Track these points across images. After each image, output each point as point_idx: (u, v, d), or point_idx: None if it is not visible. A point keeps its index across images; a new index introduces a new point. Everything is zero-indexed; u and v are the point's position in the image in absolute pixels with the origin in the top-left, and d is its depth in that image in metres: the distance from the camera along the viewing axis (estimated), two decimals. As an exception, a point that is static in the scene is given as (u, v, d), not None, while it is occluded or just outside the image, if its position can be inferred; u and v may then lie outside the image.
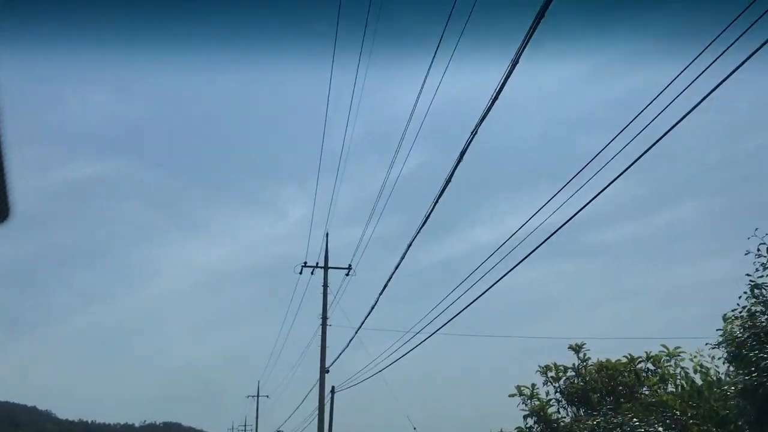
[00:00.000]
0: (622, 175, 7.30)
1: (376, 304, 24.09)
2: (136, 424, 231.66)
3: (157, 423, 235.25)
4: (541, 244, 8.93)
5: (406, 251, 15.63)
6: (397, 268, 17.12)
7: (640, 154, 6.86)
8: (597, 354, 21.43)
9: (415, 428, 29.98)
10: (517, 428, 21.62)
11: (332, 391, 29.07)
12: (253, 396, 78.26)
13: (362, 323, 27.18)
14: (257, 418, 78.88)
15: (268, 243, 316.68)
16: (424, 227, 12.88)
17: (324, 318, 31.33)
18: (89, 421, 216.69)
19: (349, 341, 28.52)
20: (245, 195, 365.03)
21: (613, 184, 7.42)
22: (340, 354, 29.96)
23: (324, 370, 30.63)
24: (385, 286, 20.54)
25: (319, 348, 30.88)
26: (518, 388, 21.96)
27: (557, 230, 8.60)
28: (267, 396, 79.28)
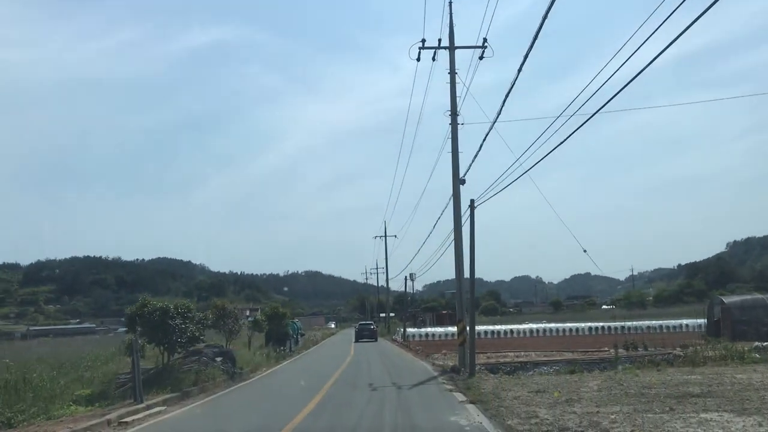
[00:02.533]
0: None
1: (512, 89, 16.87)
2: (280, 274, 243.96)
3: (299, 272, 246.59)
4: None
5: None
6: None
7: None
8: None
9: (585, 250, 23.19)
10: None
11: (471, 206, 22.15)
12: (380, 237, 74.35)
13: (499, 112, 19.93)
14: (386, 258, 75.37)
15: (386, 97, 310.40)
16: None
17: (453, 114, 24.03)
18: (238, 272, 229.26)
19: (486, 134, 21.39)
20: (359, 50, 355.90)
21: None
22: (477, 155, 22.82)
23: (458, 180, 23.69)
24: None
25: (449, 156, 23.86)
26: None
27: None
28: (395, 236, 75.22)
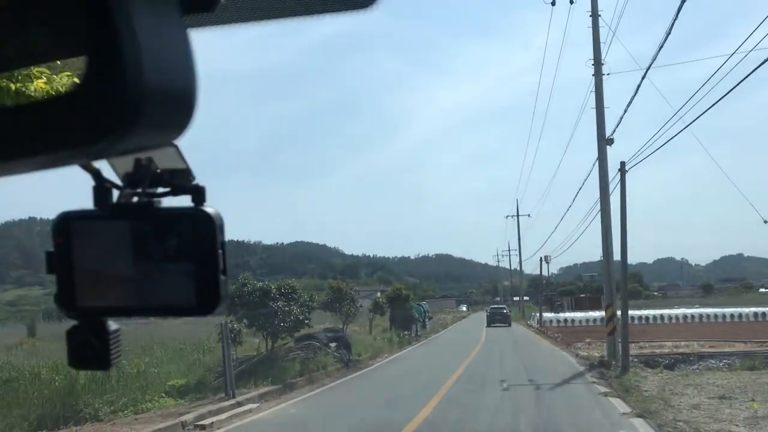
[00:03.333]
0: None
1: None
2: (412, 257, 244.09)
3: (430, 255, 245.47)
4: None
5: None
6: None
7: None
8: None
9: (766, 221, 18.99)
10: None
11: (621, 169, 18.48)
12: (512, 216, 70.19)
13: (655, 57, 16.30)
14: (519, 239, 71.08)
15: (517, 75, 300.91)
16: None
17: (597, 62, 20.32)
18: (371, 255, 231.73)
19: (638, 86, 17.71)
20: (487, 27, 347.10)
21: None
22: (630, 103, 19.08)
23: (604, 139, 19.99)
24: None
25: (588, 121, 20.21)
26: None
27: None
28: (528, 215, 70.79)
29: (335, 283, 22.78)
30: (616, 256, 19.03)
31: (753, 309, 44.57)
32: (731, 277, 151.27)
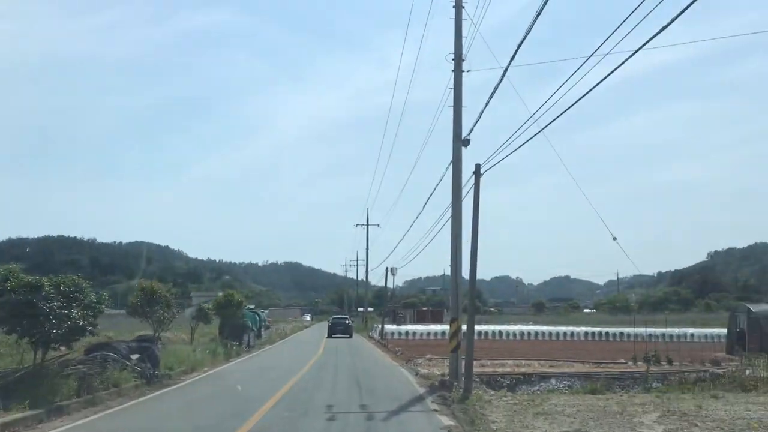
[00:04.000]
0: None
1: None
2: (259, 263, 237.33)
3: (279, 263, 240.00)
4: None
5: None
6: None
7: None
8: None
9: (615, 237, 17.94)
10: None
11: (477, 172, 16.78)
12: (362, 225, 68.60)
13: (512, 58, 14.91)
14: (367, 248, 69.62)
15: (376, 91, 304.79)
16: None
17: (457, 58, 18.58)
18: (216, 260, 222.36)
19: (496, 86, 16.16)
20: (351, 41, 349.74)
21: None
22: (483, 110, 17.43)
23: (459, 139, 18.23)
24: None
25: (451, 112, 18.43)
26: None
27: None
28: (377, 225, 69.54)
29: (147, 284, 19.24)
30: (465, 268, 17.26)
31: (584, 328, 45.61)
32: (559, 297, 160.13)
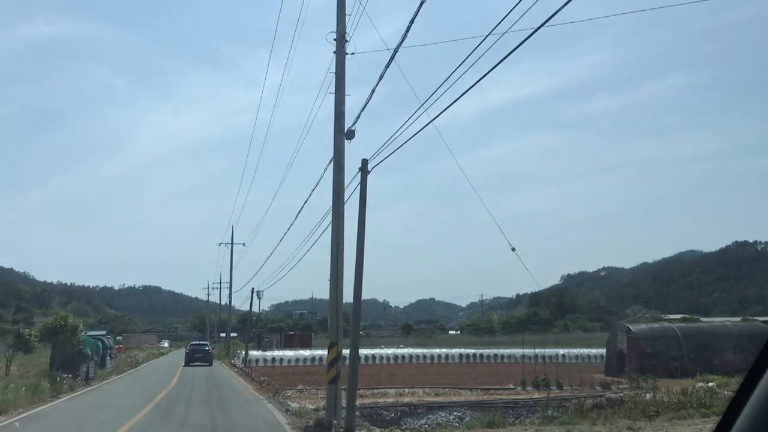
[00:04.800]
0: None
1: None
2: (116, 287, 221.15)
3: (137, 286, 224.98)
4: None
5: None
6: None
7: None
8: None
9: (514, 248, 15.77)
10: None
11: (363, 168, 14.05)
12: (225, 244, 63.71)
13: (401, 43, 12.47)
14: (231, 268, 64.66)
15: (241, 111, 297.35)
16: None
17: (340, 37, 15.82)
18: (68, 284, 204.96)
19: (384, 69, 13.53)
20: (217, 60, 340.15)
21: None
22: (370, 97, 14.78)
23: (342, 131, 15.39)
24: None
25: (332, 101, 15.59)
26: None
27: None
28: (243, 244, 65.06)
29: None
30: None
31: (458, 350, 43.90)
32: (424, 319, 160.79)
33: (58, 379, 21.74)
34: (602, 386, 22.07)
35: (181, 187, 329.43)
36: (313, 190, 18.56)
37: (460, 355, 41.45)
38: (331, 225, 15.33)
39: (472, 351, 43.33)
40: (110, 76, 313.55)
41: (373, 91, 14.69)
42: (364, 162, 14.58)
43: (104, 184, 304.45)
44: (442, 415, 17.85)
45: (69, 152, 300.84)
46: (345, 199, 15.43)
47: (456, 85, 10.79)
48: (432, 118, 12.15)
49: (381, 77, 14.07)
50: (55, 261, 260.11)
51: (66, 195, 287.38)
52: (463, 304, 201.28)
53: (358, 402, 17.30)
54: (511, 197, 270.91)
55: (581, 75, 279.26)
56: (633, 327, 28.75)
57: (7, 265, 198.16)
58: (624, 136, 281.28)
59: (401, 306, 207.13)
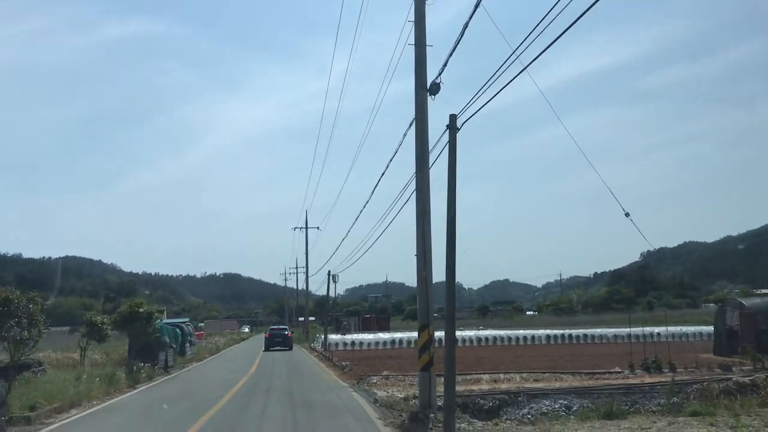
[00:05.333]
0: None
1: None
2: (198, 276, 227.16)
3: (218, 274, 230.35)
4: None
5: None
6: None
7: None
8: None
9: (627, 214, 13.64)
10: None
11: (451, 125, 12.16)
12: (300, 228, 63.02)
13: None
14: (307, 252, 63.95)
15: (311, 99, 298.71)
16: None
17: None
18: (152, 273, 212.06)
19: (471, 15, 11.55)
20: (285, 50, 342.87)
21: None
22: (458, 44, 12.72)
23: (425, 88, 13.54)
24: None
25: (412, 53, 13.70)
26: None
27: None
28: (317, 227, 64.14)
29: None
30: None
31: (544, 331, 41.50)
32: (499, 300, 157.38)
33: (134, 368, 20.87)
34: (722, 368, 19.47)
35: (255, 177, 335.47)
36: (391, 159, 16.73)
37: (548, 336, 39.04)
38: (415, 194, 13.48)
39: (560, 331, 40.80)
40: (181, 71, 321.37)
41: (460, 38, 12.68)
42: (453, 118, 12.65)
43: (182, 177, 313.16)
44: (546, 403, 15.80)
45: (145, 147, 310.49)
46: (429, 165, 13.55)
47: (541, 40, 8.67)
48: (525, 66, 10.08)
49: (465, 26, 12.05)
50: (140, 252, 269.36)
51: (147, 189, 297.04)
52: (539, 285, 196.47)
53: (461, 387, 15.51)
54: (582, 175, 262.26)
55: (651, 46, 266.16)
56: (746, 302, 25.76)
57: (95, 257, 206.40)
58: (700, 106, 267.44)
59: (475, 288, 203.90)
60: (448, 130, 12.67)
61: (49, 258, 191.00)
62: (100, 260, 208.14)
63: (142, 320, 22.60)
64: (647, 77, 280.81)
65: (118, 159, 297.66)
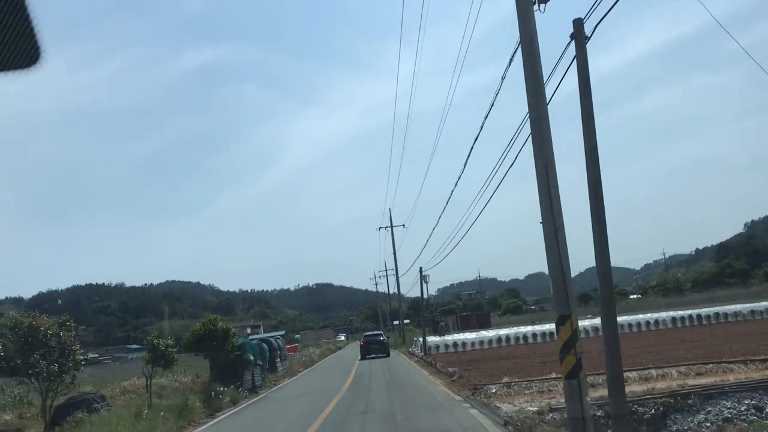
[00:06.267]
0: None
1: None
2: (291, 288, 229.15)
3: (310, 285, 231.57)
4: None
5: None
6: None
7: None
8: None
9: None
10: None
11: (578, 34, 8.39)
12: (385, 227, 59.81)
13: None
14: (394, 251, 60.65)
15: (384, 103, 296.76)
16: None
17: None
18: (248, 290, 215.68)
19: None
20: (353, 58, 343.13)
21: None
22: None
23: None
24: None
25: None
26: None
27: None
28: (403, 225, 60.86)
29: (19, 316, 10.90)
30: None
31: (669, 313, 36.50)
32: (595, 287, 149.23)
33: (213, 393, 18.08)
34: None
35: (338, 185, 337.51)
36: (489, 112, 13.09)
37: (673, 319, 34.12)
38: (531, 141, 9.81)
39: (687, 312, 35.70)
40: (258, 92, 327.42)
41: None
42: (578, 23, 9.00)
43: (267, 194, 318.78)
44: (728, 405, 11.77)
45: (231, 170, 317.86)
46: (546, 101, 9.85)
47: None
48: None
49: None
50: (235, 271, 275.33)
51: (235, 209, 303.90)
52: (637, 267, 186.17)
53: (596, 394, 11.71)
54: (671, 148, 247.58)
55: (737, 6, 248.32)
56: None
57: (194, 280, 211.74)
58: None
59: (571, 275, 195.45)
60: (573, 41, 9.01)
61: (150, 284, 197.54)
62: (198, 282, 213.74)
63: (218, 338, 19.90)
64: (737, 38, 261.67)
65: (206, 184, 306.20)
